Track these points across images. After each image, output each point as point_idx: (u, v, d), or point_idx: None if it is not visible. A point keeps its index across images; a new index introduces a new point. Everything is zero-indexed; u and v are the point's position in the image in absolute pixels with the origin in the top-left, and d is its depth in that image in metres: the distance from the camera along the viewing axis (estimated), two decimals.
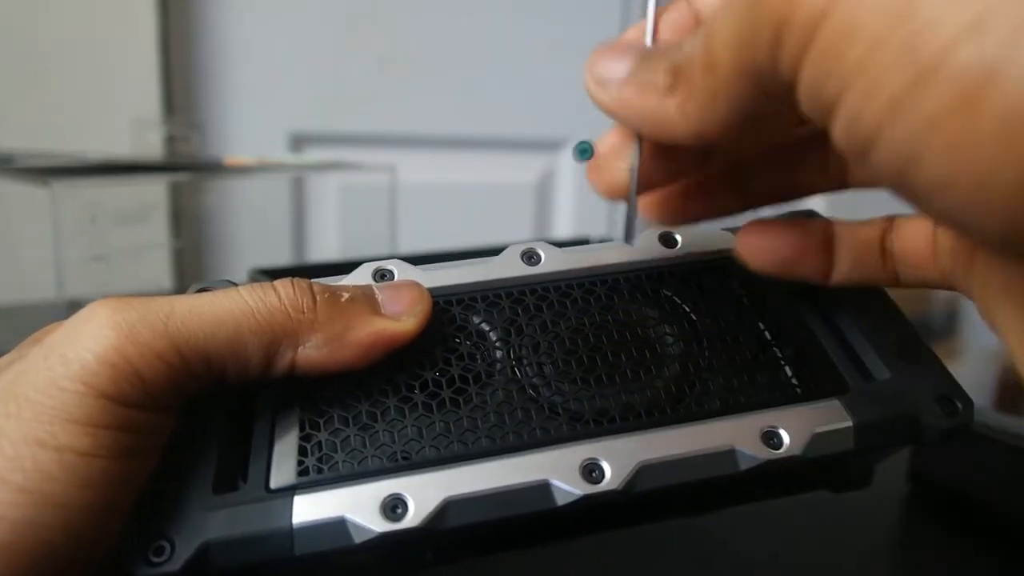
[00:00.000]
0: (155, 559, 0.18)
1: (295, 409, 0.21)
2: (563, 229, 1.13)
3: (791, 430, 0.21)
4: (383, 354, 0.21)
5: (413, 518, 0.19)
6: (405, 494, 0.19)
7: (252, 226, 0.98)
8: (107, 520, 0.18)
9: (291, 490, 0.19)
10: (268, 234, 0.99)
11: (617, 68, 0.19)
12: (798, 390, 0.23)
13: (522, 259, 0.24)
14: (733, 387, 0.22)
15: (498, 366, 0.22)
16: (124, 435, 0.18)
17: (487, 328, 0.23)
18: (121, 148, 0.85)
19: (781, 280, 0.23)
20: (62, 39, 0.83)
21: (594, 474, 0.20)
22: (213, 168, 0.80)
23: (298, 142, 1.00)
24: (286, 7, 0.96)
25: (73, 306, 0.75)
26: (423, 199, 1.01)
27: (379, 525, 0.19)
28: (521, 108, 1.08)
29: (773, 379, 0.23)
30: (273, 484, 0.20)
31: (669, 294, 0.24)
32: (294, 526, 0.19)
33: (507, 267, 0.24)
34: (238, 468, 0.20)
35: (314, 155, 1.00)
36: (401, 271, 0.23)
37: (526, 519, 0.20)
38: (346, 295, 0.21)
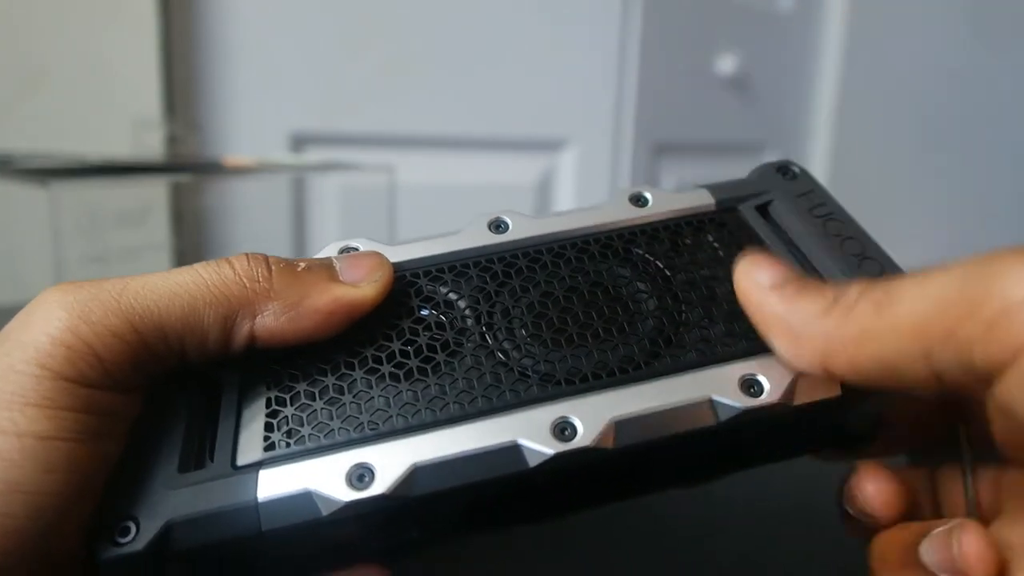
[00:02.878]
0: (120, 539, 0.18)
1: (262, 387, 0.21)
2: None
3: (772, 377, 0.20)
4: (344, 322, 0.21)
5: (379, 485, 0.19)
6: (371, 462, 0.19)
7: (252, 226, 0.98)
8: (77, 504, 0.18)
9: (257, 466, 0.19)
10: (268, 234, 0.99)
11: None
12: None
13: (489, 228, 0.24)
14: (710, 339, 0.22)
15: (467, 334, 0.22)
16: (85, 417, 0.18)
17: (455, 297, 0.23)
18: (121, 149, 0.85)
19: (756, 231, 0.24)
20: (62, 40, 0.83)
21: (565, 432, 0.19)
22: (213, 169, 0.80)
23: (298, 142, 1.00)
24: (286, 8, 0.96)
25: None
26: (423, 200, 1.01)
27: (345, 495, 0.19)
28: (521, 108, 1.08)
29: (752, 329, 0.22)
30: (240, 461, 0.20)
31: (641, 252, 0.24)
32: (259, 501, 0.19)
33: (474, 237, 0.24)
34: (205, 447, 0.20)
35: (314, 156, 1.00)
36: (366, 247, 0.23)
37: (506, 487, 0.20)
38: (303, 264, 0.21)
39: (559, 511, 0.23)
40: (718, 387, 0.20)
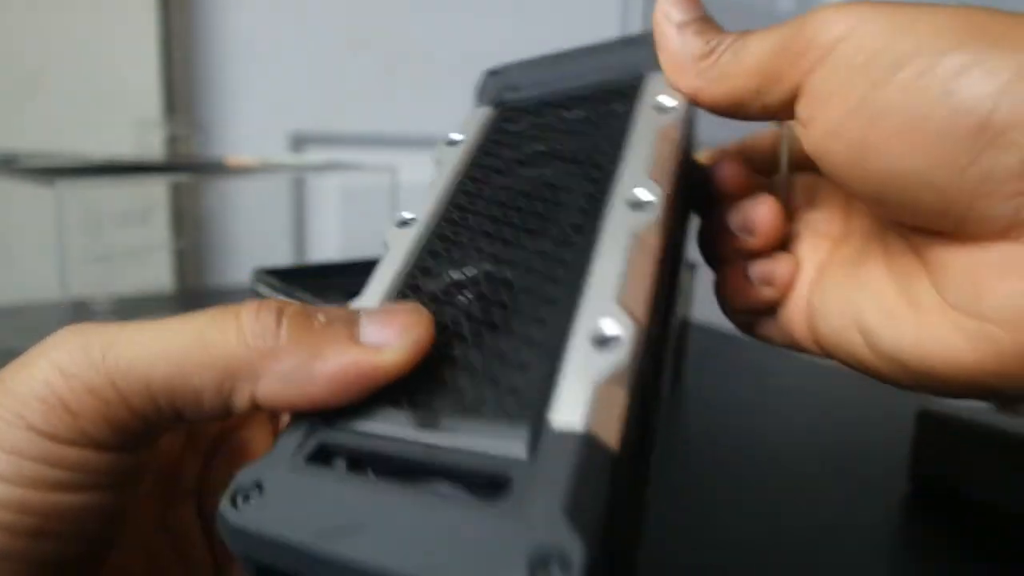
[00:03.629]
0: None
1: (429, 417, 0.18)
2: None
3: (665, 91, 0.25)
4: (362, 392, 0.18)
5: (628, 329, 0.18)
6: (599, 331, 0.18)
7: (253, 226, 0.98)
8: (31, 546, 0.18)
9: (536, 431, 0.17)
10: (269, 234, 0.99)
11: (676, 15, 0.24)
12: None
13: (399, 227, 0.25)
14: (614, 141, 0.25)
15: (494, 280, 0.22)
16: (49, 469, 0.17)
17: (457, 274, 0.22)
18: (122, 149, 0.85)
19: (537, 98, 0.28)
20: (64, 41, 0.83)
21: (643, 205, 0.22)
22: (214, 168, 0.80)
23: (299, 142, 1.00)
24: (287, 7, 0.96)
25: (77, 306, 0.75)
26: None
27: (620, 358, 0.17)
28: None
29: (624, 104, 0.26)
30: (514, 452, 0.17)
31: (511, 155, 0.26)
32: (587, 431, 0.16)
33: (403, 243, 0.24)
34: (486, 484, 0.17)
35: (315, 155, 1.00)
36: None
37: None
38: (322, 317, 0.19)
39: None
40: (650, 108, 0.25)
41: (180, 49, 0.91)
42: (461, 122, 0.29)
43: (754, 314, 0.26)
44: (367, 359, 0.18)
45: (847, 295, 0.23)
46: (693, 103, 0.25)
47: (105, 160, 0.70)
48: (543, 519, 0.15)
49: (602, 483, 0.16)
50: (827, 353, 0.24)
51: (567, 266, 0.21)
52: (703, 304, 0.72)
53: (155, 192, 0.87)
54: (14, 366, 0.18)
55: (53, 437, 0.17)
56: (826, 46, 0.20)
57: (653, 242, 0.21)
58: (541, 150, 0.26)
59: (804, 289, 0.25)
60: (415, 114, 1.03)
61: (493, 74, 0.31)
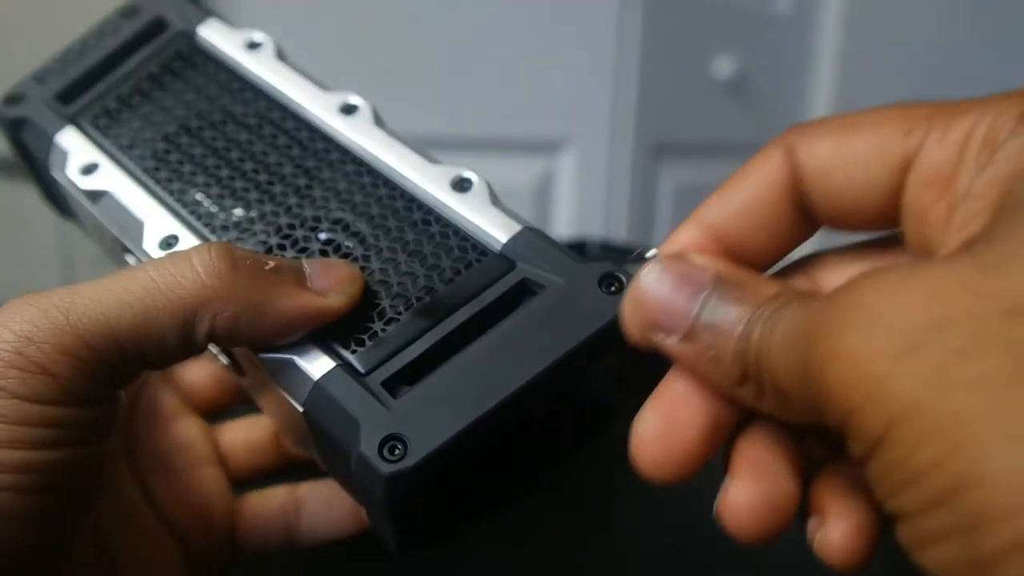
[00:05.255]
0: None
1: (424, 304, 0.22)
2: (562, 231, 1.14)
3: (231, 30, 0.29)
4: (306, 330, 0.20)
5: (459, 168, 0.24)
6: (454, 183, 0.23)
7: None
8: (37, 502, 0.18)
9: (499, 251, 0.22)
10: None
11: (679, 313, 0.16)
12: None
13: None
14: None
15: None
16: (39, 429, 0.18)
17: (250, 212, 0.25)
18: None
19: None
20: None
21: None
22: None
23: None
24: (286, 8, 0.96)
25: None
26: None
27: (481, 182, 0.23)
28: (519, 109, 1.09)
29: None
30: (507, 264, 0.22)
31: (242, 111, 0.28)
32: (522, 226, 0.22)
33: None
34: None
35: None
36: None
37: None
38: (271, 263, 0.20)
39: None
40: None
41: None
42: (67, 164, 0.26)
43: None
44: (316, 302, 0.20)
45: None
46: None
47: None
48: (573, 269, 0.20)
49: (558, 243, 0.21)
50: None
51: (362, 176, 0.24)
52: None
53: None
54: None
55: (39, 400, 0.18)
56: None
57: (384, 124, 0.26)
58: (193, 124, 0.27)
59: None
60: (413, 114, 1.03)
61: (15, 100, 0.30)
